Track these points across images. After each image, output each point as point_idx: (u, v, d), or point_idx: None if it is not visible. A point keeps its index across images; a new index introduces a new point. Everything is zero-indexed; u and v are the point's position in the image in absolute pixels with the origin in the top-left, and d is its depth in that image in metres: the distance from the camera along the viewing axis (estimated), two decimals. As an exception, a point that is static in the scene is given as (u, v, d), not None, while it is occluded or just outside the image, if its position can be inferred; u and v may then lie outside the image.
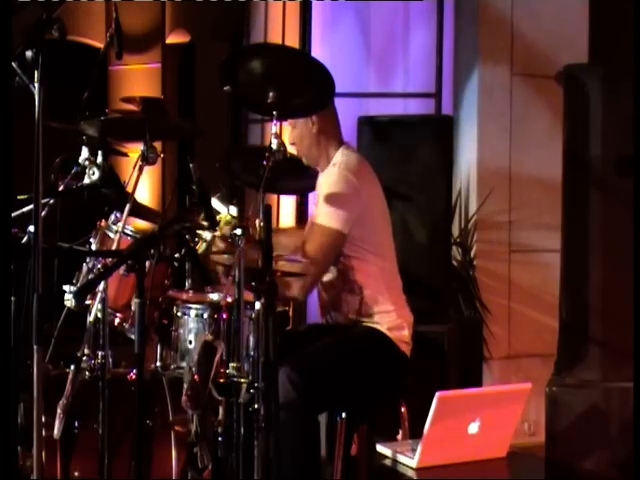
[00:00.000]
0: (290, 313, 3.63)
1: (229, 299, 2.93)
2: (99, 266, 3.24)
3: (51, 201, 3.28)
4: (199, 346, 3.02)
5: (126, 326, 3.29)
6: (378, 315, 3.34)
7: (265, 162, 2.91)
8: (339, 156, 3.41)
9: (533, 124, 4.96)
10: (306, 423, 3.09)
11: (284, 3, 5.46)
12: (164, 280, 3.31)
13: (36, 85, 2.48)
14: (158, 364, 3.20)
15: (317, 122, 3.40)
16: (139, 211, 3.49)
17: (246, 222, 2.89)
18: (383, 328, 3.32)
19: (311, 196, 3.72)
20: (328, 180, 3.36)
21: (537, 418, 4.37)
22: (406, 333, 3.36)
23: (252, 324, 2.86)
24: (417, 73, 5.09)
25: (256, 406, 2.71)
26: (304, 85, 2.97)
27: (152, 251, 3.01)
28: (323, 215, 3.28)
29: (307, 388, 3.06)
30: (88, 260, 3.30)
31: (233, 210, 3.24)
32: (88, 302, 3.19)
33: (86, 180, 3.27)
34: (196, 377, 2.92)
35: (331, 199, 3.28)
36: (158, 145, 3.36)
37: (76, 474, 3.36)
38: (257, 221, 2.78)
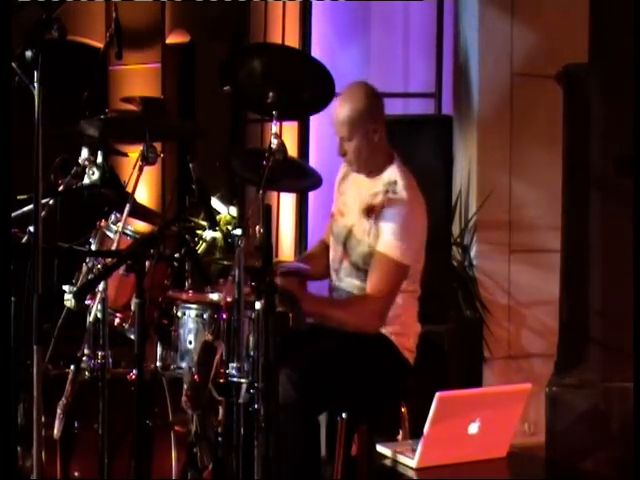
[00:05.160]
0: (290, 313, 3.62)
1: (229, 299, 2.93)
2: (99, 266, 3.25)
3: (51, 201, 3.29)
4: (199, 346, 3.02)
5: (126, 326, 3.29)
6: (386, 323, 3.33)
7: (265, 162, 2.90)
8: (397, 173, 3.34)
9: (533, 124, 4.96)
10: (306, 424, 3.08)
11: (284, 3, 5.46)
12: (164, 280, 3.32)
13: (36, 85, 2.48)
14: (158, 364, 3.20)
15: (380, 131, 3.35)
16: (138, 212, 3.49)
17: (246, 223, 2.89)
18: (387, 332, 3.31)
19: (338, 191, 3.61)
20: (396, 208, 3.28)
21: (537, 418, 4.36)
22: (411, 341, 3.36)
23: (252, 324, 2.86)
24: (417, 73, 5.09)
25: (256, 406, 2.71)
26: (304, 85, 2.96)
27: (152, 251, 3.01)
28: (392, 247, 3.23)
29: (307, 389, 3.05)
30: (88, 260, 3.30)
31: (233, 210, 3.24)
32: (88, 302, 3.19)
33: (86, 180, 3.27)
34: (196, 377, 2.92)
35: (400, 230, 3.24)
36: (158, 145, 3.36)
37: (76, 474, 3.35)
38: (257, 227, 2.76)
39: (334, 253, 3.46)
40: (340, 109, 3.27)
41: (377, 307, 3.23)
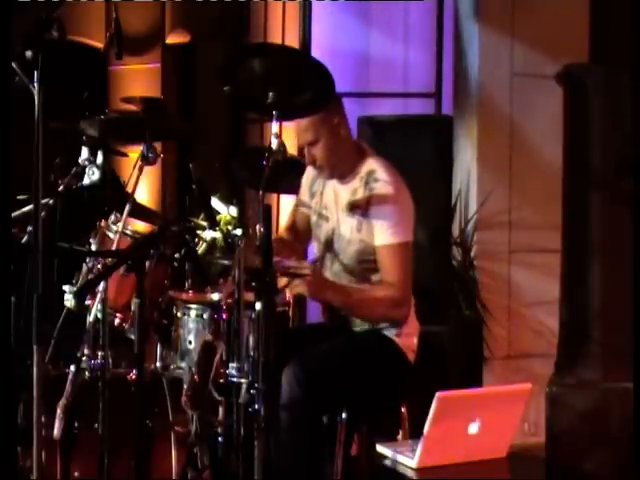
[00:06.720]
0: (290, 313, 3.63)
1: (229, 299, 2.93)
2: (99, 266, 3.25)
3: (51, 201, 3.29)
4: (199, 346, 3.03)
5: (126, 326, 3.30)
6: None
7: (265, 162, 2.90)
8: (373, 164, 3.28)
9: (533, 124, 4.96)
10: (311, 423, 3.06)
11: (284, 3, 5.47)
12: (164, 280, 3.32)
13: (36, 85, 2.49)
14: (158, 364, 3.20)
15: (344, 125, 3.28)
16: (138, 212, 3.49)
17: (246, 222, 2.89)
18: (392, 334, 3.30)
19: (310, 190, 3.55)
20: (384, 205, 3.22)
21: (537, 418, 4.36)
22: (414, 341, 3.35)
23: (252, 324, 2.86)
24: (417, 73, 5.09)
25: (256, 406, 2.71)
26: (304, 85, 2.96)
27: (152, 251, 3.01)
28: (390, 235, 3.19)
29: (314, 387, 3.02)
30: (88, 260, 3.30)
31: (233, 210, 3.24)
32: (88, 302, 3.20)
33: (86, 180, 3.28)
34: (196, 377, 2.92)
35: (394, 220, 3.20)
36: (158, 145, 3.37)
37: (76, 474, 3.36)
38: (257, 226, 2.76)
39: (320, 256, 3.43)
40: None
41: (398, 295, 3.21)
